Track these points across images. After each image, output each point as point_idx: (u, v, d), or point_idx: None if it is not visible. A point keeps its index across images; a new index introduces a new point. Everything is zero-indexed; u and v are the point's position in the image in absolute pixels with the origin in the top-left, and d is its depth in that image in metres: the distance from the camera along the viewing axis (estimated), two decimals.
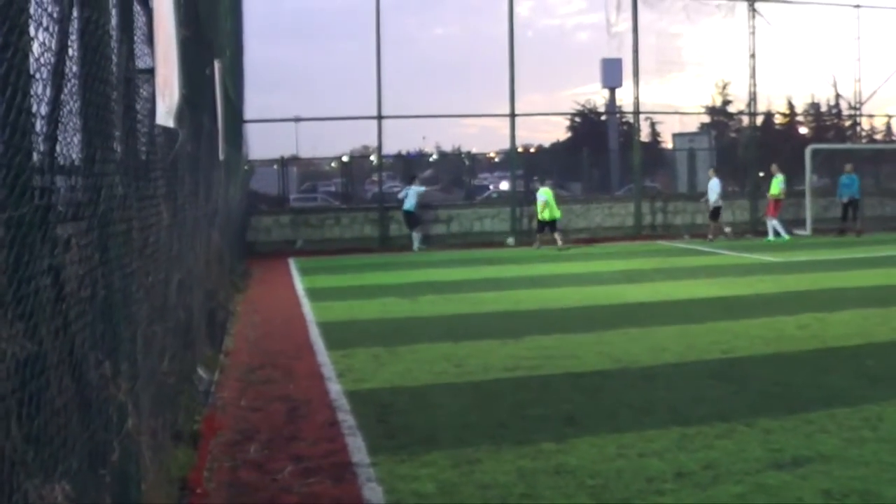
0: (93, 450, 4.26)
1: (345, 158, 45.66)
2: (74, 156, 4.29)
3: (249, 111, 31.32)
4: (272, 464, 7.86)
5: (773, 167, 34.11)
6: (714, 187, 33.19)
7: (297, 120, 40.04)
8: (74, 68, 4.29)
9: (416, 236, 31.90)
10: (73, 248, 4.14)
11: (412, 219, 31.62)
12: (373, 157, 39.79)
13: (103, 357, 4.55)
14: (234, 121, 22.24)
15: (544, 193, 31.22)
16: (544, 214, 31.23)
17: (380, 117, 33.75)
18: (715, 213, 33.48)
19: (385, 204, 35.18)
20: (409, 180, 33.38)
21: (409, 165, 44.28)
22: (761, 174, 33.96)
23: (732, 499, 6.82)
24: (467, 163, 46.03)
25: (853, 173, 35.63)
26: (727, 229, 33.66)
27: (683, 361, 11.95)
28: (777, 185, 33.17)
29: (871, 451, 7.86)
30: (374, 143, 35.31)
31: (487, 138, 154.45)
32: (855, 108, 43.09)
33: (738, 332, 14.02)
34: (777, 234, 32.92)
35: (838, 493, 6.84)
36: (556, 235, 31.25)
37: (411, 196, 31.81)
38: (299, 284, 21.99)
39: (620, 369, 11.56)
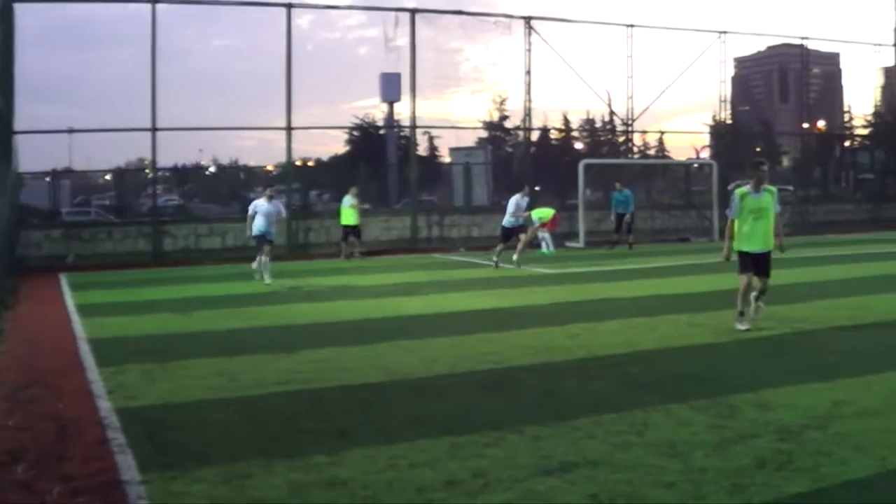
0: None
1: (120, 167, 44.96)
2: None
3: (21, 122, 30.42)
4: (40, 484, 7.62)
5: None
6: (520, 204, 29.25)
7: (71, 131, 39.11)
8: None
9: (261, 260, 25.34)
10: None
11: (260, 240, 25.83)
12: (148, 170, 39.13)
13: None
14: (2, 132, 21.63)
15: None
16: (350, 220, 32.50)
17: (154, 129, 33.27)
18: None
19: (159, 217, 34.75)
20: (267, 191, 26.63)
21: (186, 177, 43.79)
22: (537, 188, 34.53)
23: None
24: (243, 176, 45.67)
25: (625, 189, 36.69)
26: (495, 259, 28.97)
27: (455, 372, 12.11)
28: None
29: (637, 455, 8.08)
30: (149, 155, 34.83)
31: (265, 151, 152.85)
32: (627, 125, 44.35)
33: (510, 342, 14.29)
34: (547, 246, 33.65)
35: (605, 497, 7.00)
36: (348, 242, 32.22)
37: (259, 219, 25.16)
38: (70, 300, 21.44)
39: (393, 381, 11.63)
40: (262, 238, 25.08)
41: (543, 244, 33.76)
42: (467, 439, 8.64)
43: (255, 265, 25.36)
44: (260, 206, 25.27)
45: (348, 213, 32.50)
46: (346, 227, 32.76)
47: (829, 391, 10.49)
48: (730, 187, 48.40)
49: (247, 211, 25.73)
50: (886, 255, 30.43)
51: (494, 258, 28.42)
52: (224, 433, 9.22)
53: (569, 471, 7.66)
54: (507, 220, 28.90)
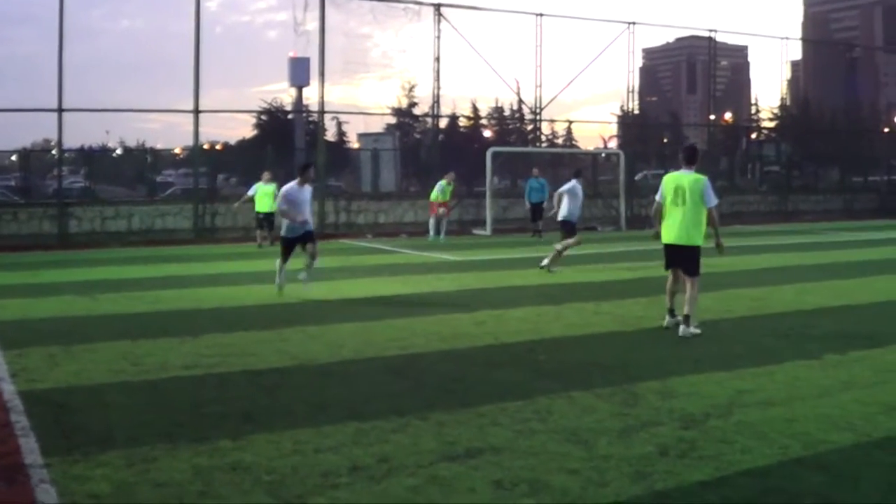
0: None
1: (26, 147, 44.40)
2: None
3: None
4: None
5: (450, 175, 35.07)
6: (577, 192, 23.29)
7: None
8: None
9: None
10: None
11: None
12: (54, 151, 38.66)
13: None
14: None
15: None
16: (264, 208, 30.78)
17: (60, 110, 32.88)
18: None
19: (65, 199, 34.26)
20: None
21: (92, 159, 43.22)
22: (444, 179, 34.57)
23: (406, 491, 6.92)
24: (149, 159, 45.23)
25: (541, 177, 36.87)
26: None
27: (361, 358, 12.08)
28: (444, 190, 34.11)
29: (541, 441, 8.13)
30: (55, 136, 34.43)
31: (172, 134, 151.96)
32: (536, 113, 44.56)
33: (416, 329, 14.27)
34: (437, 232, 33.73)
35: (508, 483, 7.03)
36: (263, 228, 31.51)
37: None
38: None
39: (298, 366, 11.59)
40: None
41: (432, 230, 33.95)
42: (372, 425, 8.63)
43: (278, 280, 18.80)
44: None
45: (265, 199, 31.36)
46: (262, 213, 31.15)
47: (732, 380, 10.62)
48: (637, 177, 49.01)
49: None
50: (789, 246, 31.03)
51: (550, 266, 22.83)
52: (128, 417, 9.13)
53: (473, 457, 7.67)
54: (569, 211, 22.99)
